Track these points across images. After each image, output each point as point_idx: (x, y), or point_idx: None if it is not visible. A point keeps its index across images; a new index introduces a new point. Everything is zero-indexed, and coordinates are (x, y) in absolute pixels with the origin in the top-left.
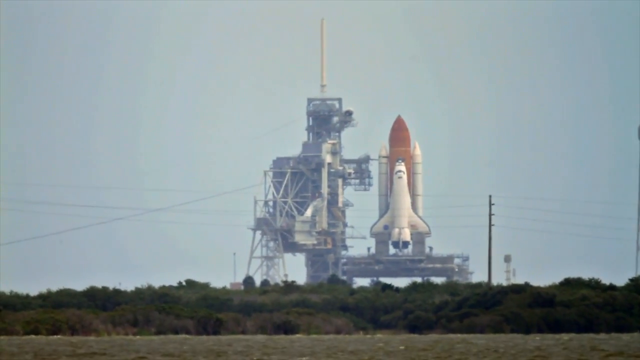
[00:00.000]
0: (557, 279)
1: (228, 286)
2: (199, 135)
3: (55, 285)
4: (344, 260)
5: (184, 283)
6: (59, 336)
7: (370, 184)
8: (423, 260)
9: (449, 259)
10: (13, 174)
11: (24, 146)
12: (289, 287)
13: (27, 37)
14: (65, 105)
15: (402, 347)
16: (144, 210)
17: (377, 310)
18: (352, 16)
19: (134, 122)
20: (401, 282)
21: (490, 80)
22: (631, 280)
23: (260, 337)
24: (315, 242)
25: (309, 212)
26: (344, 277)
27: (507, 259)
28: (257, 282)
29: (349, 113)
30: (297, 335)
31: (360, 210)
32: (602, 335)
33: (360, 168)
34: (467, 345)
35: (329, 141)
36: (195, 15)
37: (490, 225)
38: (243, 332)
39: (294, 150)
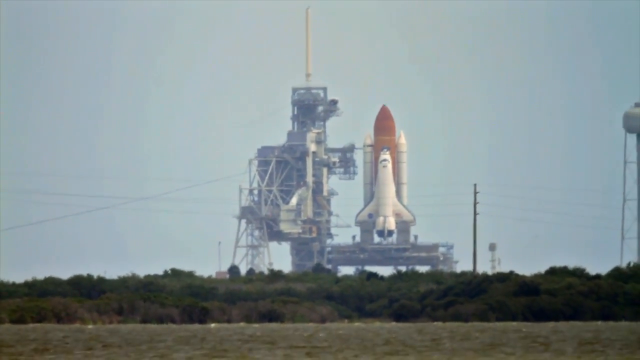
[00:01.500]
0: (542, 267)
1: (213, 275)
2: (182, 124)
3: (40, 273)
4: (329, 248)
5: (169, 272)
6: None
7: (355, 173)
8: (408, 249)
9: (434, 247)
10: (4, 163)
11: (11, 135)
12: (274, 275)
13: (30, 28)
14: (59, 100)
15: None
16: (128, 199)
17: (362, 299)
18: (337, 5)
19: (124, 113)
20: (386, 270)
21: (476, 69)
22: (613, 270)
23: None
24: (300, 230)
25: (294, 201)
26: (329, 266)
27: (492, 247)
28: (243, 271)
29: (333, 102)
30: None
31: (345, 199)
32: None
33: (345, 157)
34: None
35: (314, 130)
36: (179, 9)
37: (475, 213)
38: (228, 321)
39: (279, 139)
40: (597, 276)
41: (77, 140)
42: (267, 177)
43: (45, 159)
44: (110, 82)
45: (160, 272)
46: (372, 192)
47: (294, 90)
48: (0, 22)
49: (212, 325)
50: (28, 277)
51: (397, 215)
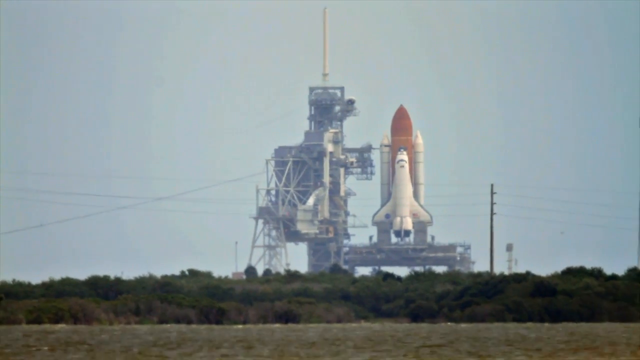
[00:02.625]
0: (559, 268)
1: (230, 276)
2: (200, 124)
3: (57, 274)
4: (346, 249)
5: (186, 272)
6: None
7: (372, 173)
8: (425, 249)
9: (451, 248)
10: (14, 162)
11: (24, 134)
12: (291, 276)
13: (33, 26)
14: (66, 96)
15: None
16: (145, 199)
17: (378, 299)
18: (354, 5)
19: (138, 112)
20: (403, 271)
21: (493, 69)
22: (629, 270)
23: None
24: (317, 231)
25: (311, 201)
26: (346, 266)
27: (509, 248)
28: (260, 271)
29: (350, 102)
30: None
31: (362, 199)
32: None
33: (362, 157)
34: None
35: (331, 130)
36: (198, 6)
37: (492, 214)
38: (245, 322)
39: (296, 139)
40: (614, 277)
41: (93, 140)
42: (284, 178)
43: (61, 159)
44: (122, 82)
45: (177, 273)
46: (389, 192)
47: (311, 89)
48: (2, 22)
49: (239, 326)
50: (45, 277)
51: (414, 215)
